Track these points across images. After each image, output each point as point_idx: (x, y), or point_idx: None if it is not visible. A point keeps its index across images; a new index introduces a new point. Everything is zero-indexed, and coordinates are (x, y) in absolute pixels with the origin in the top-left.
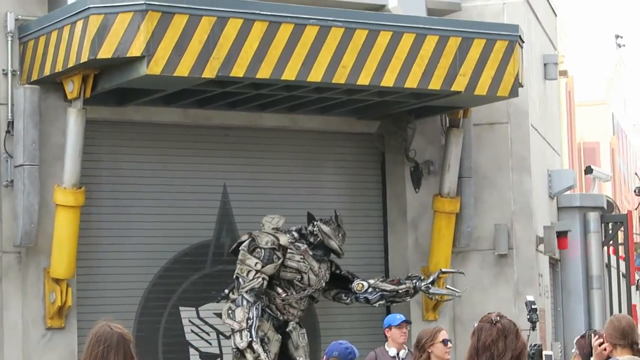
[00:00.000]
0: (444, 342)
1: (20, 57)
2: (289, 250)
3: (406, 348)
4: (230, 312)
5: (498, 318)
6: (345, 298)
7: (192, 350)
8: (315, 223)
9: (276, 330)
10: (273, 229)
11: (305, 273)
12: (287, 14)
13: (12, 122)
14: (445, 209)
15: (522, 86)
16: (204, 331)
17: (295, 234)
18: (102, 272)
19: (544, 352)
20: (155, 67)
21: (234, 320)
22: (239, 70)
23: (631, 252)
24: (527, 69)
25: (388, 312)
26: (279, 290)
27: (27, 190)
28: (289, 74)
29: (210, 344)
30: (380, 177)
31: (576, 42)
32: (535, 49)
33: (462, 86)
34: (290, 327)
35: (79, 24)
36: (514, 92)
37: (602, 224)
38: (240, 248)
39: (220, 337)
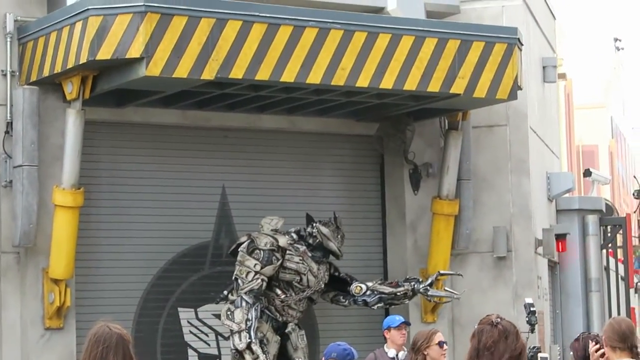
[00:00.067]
0: (440, 344)
1: (19, 58)
2: (287, 252)
3: (405, 349)
4: (229, 313)
5: (499, 320)
6: (344, 300)
7: (190, 351)
8: (314, 225)
9: (275, 332)
10: (272, 230)
11: (304, 274)
12: (286, 15)
13: (11, 122)
14: (444, 211)
15: (521, 89)
16: (202, 332)
17: (294, 236)
18: (101, 272)
19: (540, 355)
20: (154, 68)
21: (233, 322)
22: (238, 72)
23: (630, 255)
24: (526, 71)
25: (387, 313)
26: (278, 291)
27: (26, 190)
28: (288, 75)
29: (209, 344)
30: (379, 179)
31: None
32: (534, 52)
33: (461, 89)
34: (289, 329)
35: (78, 25)
36: (512, 95)
37: (601, 227)
38: (239, 249)
39: (219, 338)
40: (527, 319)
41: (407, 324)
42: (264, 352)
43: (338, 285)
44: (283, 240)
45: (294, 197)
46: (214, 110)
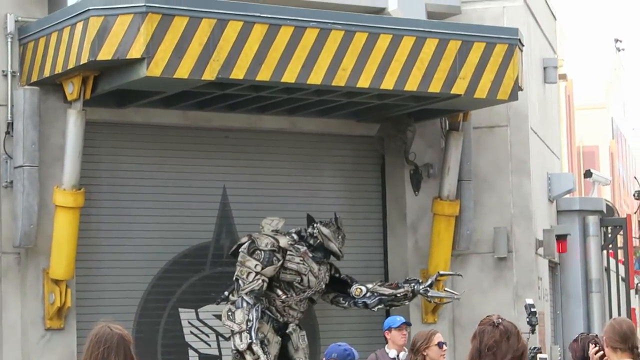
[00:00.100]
0: (439, 345)
1: (20, 59)
2: (288, 252)
3: (406, 350)
4: (230, 313)
5: (500, 320)
6: (344, 302)
7: (191, 352)
8: (315, 225)
9: (276, 332)
10: (272, 231)
11: (305, 275)
12: (287, 16)
13: (12, 123)
14: (445, 212)
15: (521, 89)
16: (203, 332)
17: (295, 236)
18: (101, 273)
19: (539, 356)
20: (155, 69)
21: (234, 322)
22: (239, 73)
23: (630, 256)
24: (526, 72)
25: (388, 314)
26: (279, 292)
27: (26, 191)
28: (289, 76)
29: (210, 345)
30: (380, 179)
31: (575, 46)
32: (534, 53)
33: (462, 89)
34: (290, 329)
35: (79, 26)
36: (513, 96)
37: (602, 228)
38: (239, 250)
39: (220, 338)
40: (527, 319)
41: (407, 324)
42: (264, 352)
43: (338, 286)
44: (284, 241)
45: (294, 198)
46: (215, 110)
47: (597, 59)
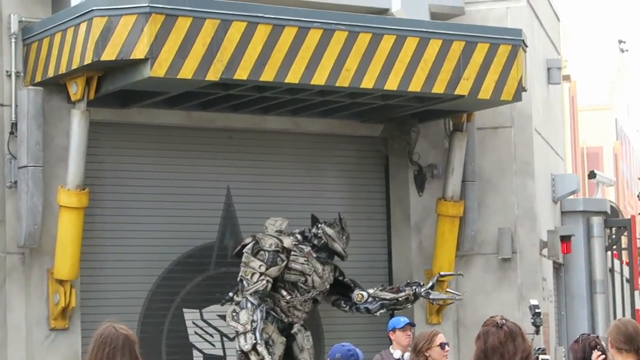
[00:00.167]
0: (442, 345)
1: (23, 59)
2: (292, 253)
3: None
4: (234, 314)
5: (503, 321)
6: (345, 306)
7: (195, 352)
8: (319, 225)
9: (281, 333)
10: (276, 231)
11: (310, 275)
12: (290, 17)
13: (16, 123)
14: (449, 213)
15: (525, 90)
16: (207, 333)
17: (299, 237)
18: (105, 273)
19: (541, 357)
20: (158, 69)
21: (238, 323)
22: (242, 73)
23: (634, 257)
24: (530, 73)
25: (392, 315)
26: (284, 292)
27: (30, 191)
28: (293, 77)
29: (214, 345)
30: (384, 180)
31: (579, 47)
32: (538, 54)
33: (465, 90)
34: (295, 330)
35: (83, 26)
36: (517, 96)
37: (606, 229)
38: (244, 251)
39: (224, 339)
40: (532, 320)
41: (412, 325)
42: (269, 353)
43: (341, 289)
44: (288, 241)
45: (298, 198)
46: (219, 111)
47: (601, 60)
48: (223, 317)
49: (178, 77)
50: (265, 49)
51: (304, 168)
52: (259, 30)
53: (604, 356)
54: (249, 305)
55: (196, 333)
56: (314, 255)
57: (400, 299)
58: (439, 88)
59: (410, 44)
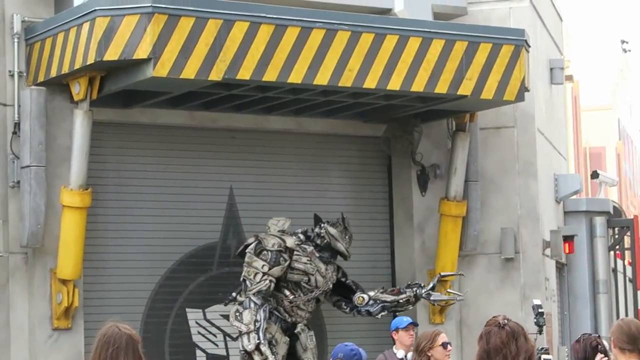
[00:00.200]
0: (444, 345)
1: (26, 59)
2: (295, 252)
3: None
4: (237, 314)
5: (505, 321)
6: (345, 307)
7: (198, 352)
8: (322, 225)
9: (284, 332)
10: (279, 231)
11: (312, 275)
12: (293, 17)
13: (19, 123)
14: (452, 213)
15: (528, 90)
16: (210, 333)
17: (301, 236)
18: (108, 273)
19: (543, 357)
20: (161, 69)
21: (242, 323)
22: (245, 73)
23: (637, 257)
24: (533, 73)
25: (395, 315)
26: (287, 292)
27: (33, 191)
28: (296, 77)
29: (217, 345)
30: (387, 180)
31: (582, 47)
32: (541, 54)
33: (468, 90)
34: (298, 329)
35: (86, 26)
36: (520, 97)
37: (609, 229)
38: (246, 251)
39: (227, 338)
40: (535, 320)
41: (414, 324)
42: (272, 353)
43: (342, 291)
44: (290, 241)
45: (301, 198)
46: (221, 111)
47: (604, 60)
48: (226, 317)
49: (181, 77)
50: (268, 49)
51: (307, 168)
52: (262, 30)
53: (606, 358)
54: (252, 305)
55: (199, 333)
56: (317, 254)
57: (401, 300)
58: (441, 88)
59: (413, 44)
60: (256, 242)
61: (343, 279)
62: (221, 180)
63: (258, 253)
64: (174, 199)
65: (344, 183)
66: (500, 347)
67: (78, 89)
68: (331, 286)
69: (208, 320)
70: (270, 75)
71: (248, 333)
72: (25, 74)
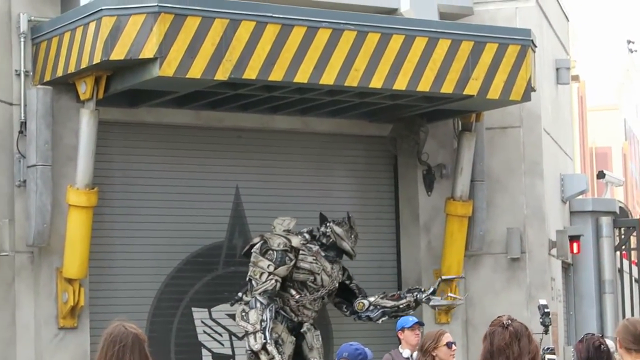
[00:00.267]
0: (448, 345)
1: (32, 58)
2: (301, 252)
3: None
4: (243, 314)
5: (509, 321)
6: (345, 310)
7: (204, 351)
8: (327, 224)
9: (290, 332)
10: (284, 231)
11: (318, 274)
12: (299, 16)
13: (25, 122)
14: (458, 213)
15: (534, 90)
16: (216, 332)
17: (307, 236)
18: (114, 272)
19: (548, 357)
20: (167, 68)
21: (248, 323)
22: (251, 73)
23: None
24: (539, 73)
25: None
26: (293, 292)
27: (39, 190)
28: (302, 76)
29: (223, 344)
30: (393, 180)
31: (588, 47)
32: (547, 54)
33: (474, 90)
34: (304, 328)
35: (92, 26)
36: (526, 96)
37: (615, 229)
38: (252, 250)
39: (233, 338)
40: (541, 320)
41: (420, 324)
42: (279, 352)
43: (345, 294)
44: (296, 241)
45: (307, 198)
46: (227, 110)
47: (610, 61)
48: (232, 316)
49: (187, 76)
50: (274, 48)
51: (313, 168)
52: (268, 29)
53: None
54: (258, 305)
55: (205, 332)
56: (323, 254)
57: (401, 306)
58: (447, 88)
59: (419, 43)
60: (262, 241)
61: (347, 282)
62: (227, 180)
63: (264, 253)
64: (180, 198)
65: (350, 183)
66: (504, 348)
67: (84, 89)
68: (337, 285)
69: (214, 320)
70: (277, 74)
71: (254, 333)
72: (31, 74)
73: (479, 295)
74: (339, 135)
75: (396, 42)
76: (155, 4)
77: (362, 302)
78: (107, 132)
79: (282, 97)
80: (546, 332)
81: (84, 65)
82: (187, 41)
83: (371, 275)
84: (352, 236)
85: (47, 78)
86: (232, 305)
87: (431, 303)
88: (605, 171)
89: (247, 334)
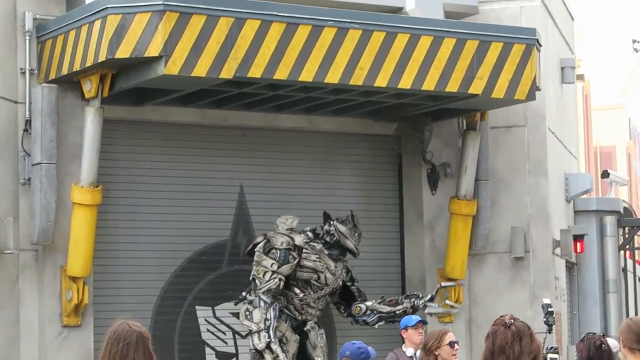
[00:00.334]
0: (451, 344)
1: (38, 56)
2: (304, 250)
3: None
4: (247, 313)
5: (512, 321)
6: (343, 311)
7: (208, 350)
8: (331, 222)
9: (294, 331)
10: (287, 229)
11: (322, 272)
12: (304, 15)
13: (30, 120)
14: (462, 212)
15: (539, 89)
16: (220, 330)
17: (310, 234)
18: (118, 270)
19: (550, 356)
20: (172, 67)
21: (252, 322)
22: (256, 71)
23: None
24: (544, 72)
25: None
26: (297, 290)
27: (44, 188)
28: (307, 75)
29: (226, 343)
30: (397, 178)
31: (593, 47)
32: (552, 53)
33: (479, 89)
34: (308, 327)
35: (97, 24)
36: (531, 96)
37: (619, 228)
38: (255, 249)
39: (236, 336)
40: (544, 319)
41: (424, 322)
42: (283, 351)
43: (346, 295)
44: (299, 239)
45: (311, 197)
46: (232, 109)
47: (615, 60)
48: (235, 315)
49: (192, 75)
50: (279, 47)
51: (318, 166)
52: (273, 28)
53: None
54: (262, 303)
55: (208, 330)
56: (326, 252)
57: (397, 312)
58: (452, 87)
59: (424, 42)
60: (265, 240)
61: (349, 283)
62: (231, 178)
63: (267, 252)
64: (185, 196)
65: (354, 181)
66: (505, 347)
67: (89, 87)
68: (341, 283)
69: (217, 318)
70: (281, 73)
71: (258, 332)
72: (36, 72)
73: (483, 295)
74: (344, 134)
75: (401, 41)
76: (161, 3)
77: (359, 307)
78: (112, 130)
79: (287, 95)
80: (550, 331)
81: (89, 63)
82: (192, 39)
83: (375, 274)
84: (356, 234)
85: (52, 76)
86: (236, 304)
87: (427, 310)
88: (609, 170)
89: (251, 332)
